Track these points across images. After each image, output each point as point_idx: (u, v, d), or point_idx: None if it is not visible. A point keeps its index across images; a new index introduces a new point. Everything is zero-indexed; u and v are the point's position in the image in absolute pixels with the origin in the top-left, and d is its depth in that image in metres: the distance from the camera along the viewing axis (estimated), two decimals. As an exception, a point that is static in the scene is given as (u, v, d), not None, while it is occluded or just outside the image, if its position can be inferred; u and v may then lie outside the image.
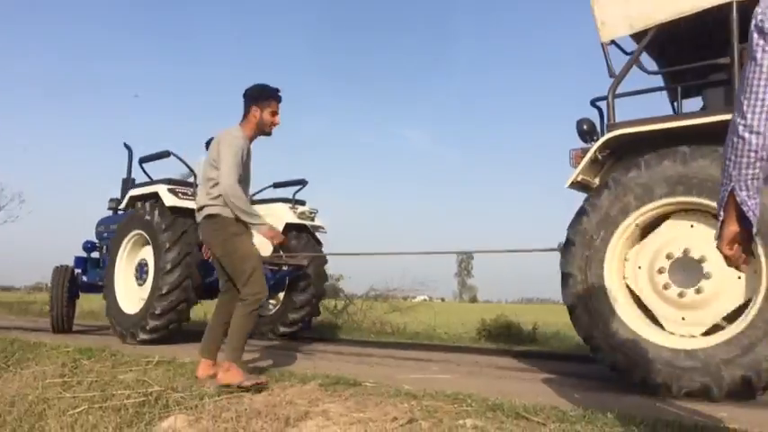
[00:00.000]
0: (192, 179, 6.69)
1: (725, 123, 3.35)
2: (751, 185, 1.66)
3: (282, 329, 7.16)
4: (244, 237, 4.10)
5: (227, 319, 4.05)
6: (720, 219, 1.72)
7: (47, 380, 4.27)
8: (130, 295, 6.67)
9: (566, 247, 4.35)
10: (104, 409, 3.54)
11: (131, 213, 6.80)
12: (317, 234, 7.40)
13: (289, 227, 6.89)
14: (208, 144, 5.84)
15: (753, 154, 1.63)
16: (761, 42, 1.64)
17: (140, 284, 6.59)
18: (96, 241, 7.83)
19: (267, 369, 4.27)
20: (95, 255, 8.05)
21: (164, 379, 4.04)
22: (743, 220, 1.68)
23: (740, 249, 1.72)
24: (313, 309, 7.31)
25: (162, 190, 6.36)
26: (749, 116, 1.63)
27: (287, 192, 7.39)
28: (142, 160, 6.93)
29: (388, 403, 3.37)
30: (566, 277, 4.29)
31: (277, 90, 4.26)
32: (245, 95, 4.26)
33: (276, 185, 7.44)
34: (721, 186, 1.73)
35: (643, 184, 4.03)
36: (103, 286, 6.99)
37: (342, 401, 3.46)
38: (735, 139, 1.66)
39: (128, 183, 7.43)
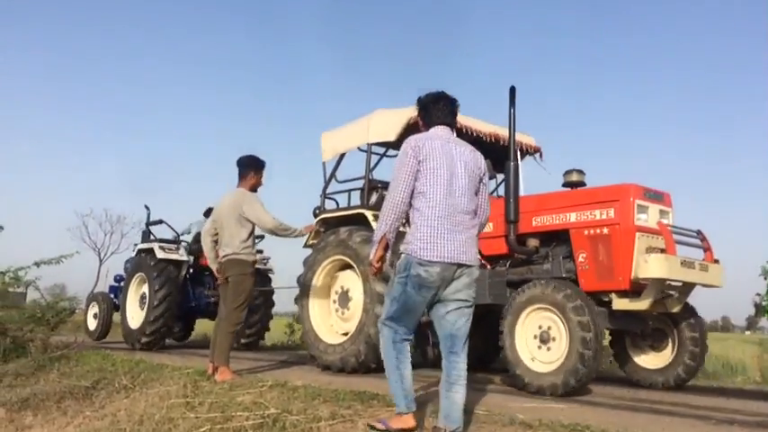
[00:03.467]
0: (186, 236, 9.72)
1: (357, 214, 6.42)
2: (394, 231, 3.20)
3: (247, 332, 9.49)
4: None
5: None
6: (375, 248, 3.22)
7: (171, 400, 4.53)
8: (135, 315, 9.13)
9: (300, 288, 6.78)
10: (226, 430, 3.70)
11: (137, 260, 9.40)
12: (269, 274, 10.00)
13: None
14: (207, 213, 8.40)
15: (395, 215, 3.18)
16: (410, 155, 3.19)
17: (142, 309, 9.02)
18: (124, 275, 10.31)
19: (377, 394, 4.29)
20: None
21: (279, 402, 4.17)
22: (385, 250, 3.24)
23: (382, 266, 3.28)
24: (263, 317, 9.74)
25: (156, 246, 9.03)
26: (396, 193, 3.17)
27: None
28: (147, 224, 10.03)
29: (504, 433, 3.28)
30: (300, 308, 6.76)
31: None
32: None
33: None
34: (377, 229, 3.22)
35: (323, 248, 6.58)
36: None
37: (456, 429, 3.40)
38: (388, 205, 3.19)
39: (147, 235, 9.97)
